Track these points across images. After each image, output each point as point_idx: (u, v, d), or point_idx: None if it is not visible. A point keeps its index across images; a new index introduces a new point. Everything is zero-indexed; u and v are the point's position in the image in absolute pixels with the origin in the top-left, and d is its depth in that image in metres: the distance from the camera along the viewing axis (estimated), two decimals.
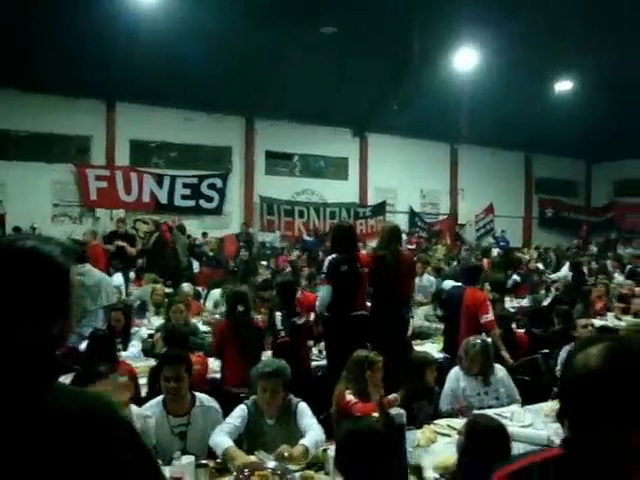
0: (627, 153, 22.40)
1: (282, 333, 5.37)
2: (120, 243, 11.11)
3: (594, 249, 20.60)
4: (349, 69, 15.93)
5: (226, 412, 3.70)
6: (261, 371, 3.62)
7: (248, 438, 3.56)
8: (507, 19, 14.39)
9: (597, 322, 8.06)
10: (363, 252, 5.86)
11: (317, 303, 5.47)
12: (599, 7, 14.05)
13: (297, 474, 3.07)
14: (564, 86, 18.66)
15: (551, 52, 16.06)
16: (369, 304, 5.64)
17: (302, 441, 3.35)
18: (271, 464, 3.07)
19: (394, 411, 2.90)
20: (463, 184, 21.98)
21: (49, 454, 1.10)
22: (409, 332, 5.71)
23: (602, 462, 1.19)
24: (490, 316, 5.82)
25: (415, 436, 3.47)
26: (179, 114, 16.41)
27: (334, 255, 5.38)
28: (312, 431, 3.47)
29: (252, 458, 3.23)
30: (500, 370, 4.71)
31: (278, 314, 5.58)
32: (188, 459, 3.11)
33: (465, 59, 15.81)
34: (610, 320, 8.58)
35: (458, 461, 2.71)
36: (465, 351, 4.61)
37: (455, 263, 13.16)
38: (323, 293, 5.38)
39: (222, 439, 3.36)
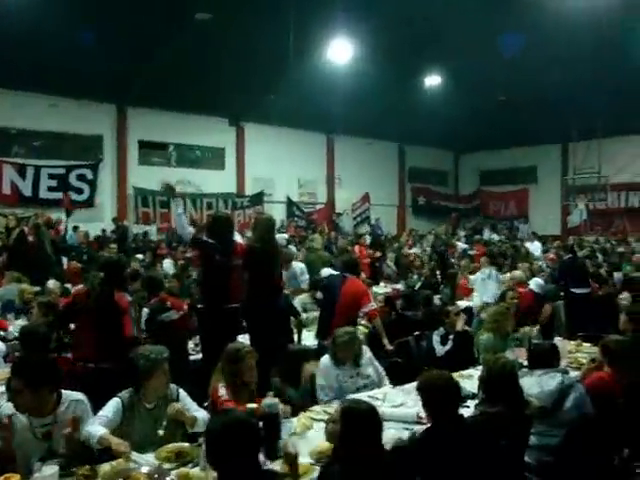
0: (491, 145, 23.97)
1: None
2: None
3: (462, 234, 21.83)
4: (224, 57, 15.67)
5: None
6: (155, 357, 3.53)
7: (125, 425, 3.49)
8: (380, 13, 14.83)
9: (463, 303, 8.58)
10: (241, 242, 5.73)
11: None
12: (463, 7, 14.85)
13: (173, 472, 3.00)
14: (434, 81, 19.51)
15: (421, 47, 16.75)
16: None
17: (195, 414, 3.48)
18: (145, 468, 2.97)
19: (268, 400, 2.90)
20: (340, 173, 22.46)
21: None
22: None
23: None
24: (373, 305, 6.03)
25: (291, 424, 3.51)
26: (43, 100, 15.39)
27: (211, 241, 5.25)
28: (200, 412, 3.58)
29: (126, 444, 3.13)
30: (367, 351, 4.90)
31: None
32: (51, 469, 2.86)
33: (341, 51, 16.04)
34: (474, 301, 9.11)
35: (335, 447, 2.75)
36: (335, 342, 4.72)
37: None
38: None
39: (95, 428, 3.27)
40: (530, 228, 23.84)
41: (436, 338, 5.83)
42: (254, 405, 3.00)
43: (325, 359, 4.73)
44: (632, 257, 12.38)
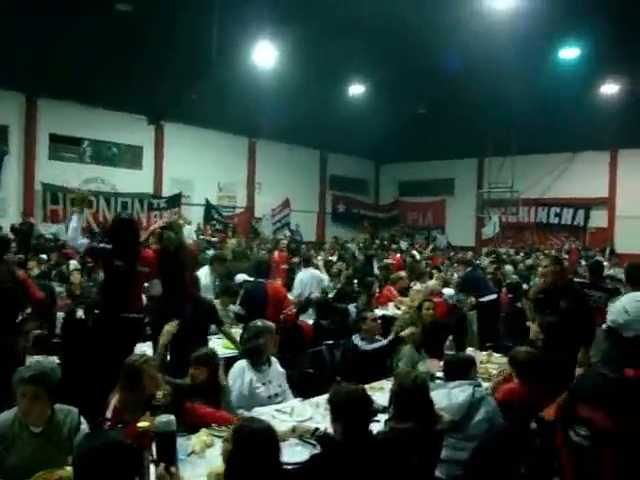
0: (411, 156, 24.46)
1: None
2: None
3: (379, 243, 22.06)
4: (145, 52, 15.11)
5: None
6: (21, 375, 3.13)
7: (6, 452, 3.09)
8: (307, 19, 14.76)
9: (379, 312, 8.54)
10: (149, 250, 5.34)
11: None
12: (389, 18, 15.02)
13: None
14: (357, 90, 19.64)
15: (345, 56, 16.82)
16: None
17: None
18: None
19: (163, 418, 2.64)
20: (260, 178, 22.22)
21: None
22: None
23: None
24: (293, 308, 6.56)
25: (189, 442, 3.25)
26: None
27: (108, 247, 4.88)
28: None
29: None
30: (276, 362, 4.76)
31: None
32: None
33: (265, 54, 15.83)
34: (390, 310, 9.12)
35: (226, 468, 2.54)
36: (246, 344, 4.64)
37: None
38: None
39: None
40: (446, 238, 24.49)
41: (357, 339, 5.72)
42: (146, 424, 2.73)
43: (240, 362, 4.58)
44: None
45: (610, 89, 18.80)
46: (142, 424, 2.70)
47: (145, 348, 4.68)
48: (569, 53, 17.17)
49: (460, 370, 4.04)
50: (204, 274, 7.48)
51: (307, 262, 9.83)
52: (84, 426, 3.19)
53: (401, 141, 22.96)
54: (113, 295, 4.77)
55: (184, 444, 3.14)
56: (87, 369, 4.51)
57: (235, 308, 6.78)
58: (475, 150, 23.09)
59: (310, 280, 9.07)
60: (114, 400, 3.40)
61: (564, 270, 6.08)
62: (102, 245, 4.94)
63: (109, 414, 3.33)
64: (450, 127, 21.12)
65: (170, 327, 4.52)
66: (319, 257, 13.66)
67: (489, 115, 19.95)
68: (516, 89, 18.03)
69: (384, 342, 5.65)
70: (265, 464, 2.44)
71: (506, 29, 14.90)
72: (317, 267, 10.45)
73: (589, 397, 2.21)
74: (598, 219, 22.16)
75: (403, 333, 5.69)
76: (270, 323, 4.80)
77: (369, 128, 20.91)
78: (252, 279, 6.92)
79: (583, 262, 15.86)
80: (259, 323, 4.76)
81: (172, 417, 2.66)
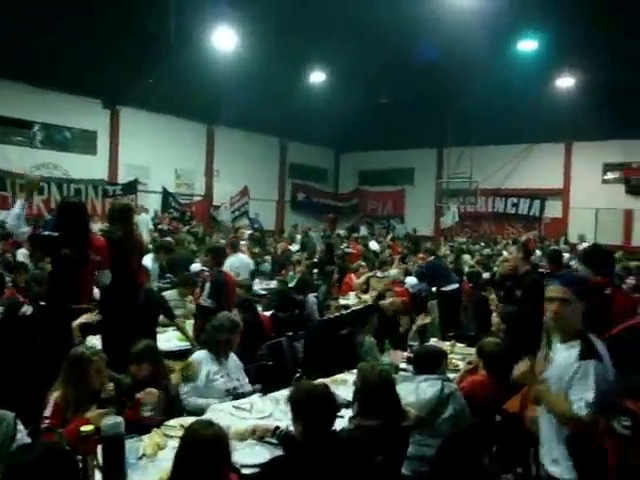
0: (371, 145, 24.39)
1: None
2: None
3: (342, 232, 21.97)
4: (101, 34, 14.54)
5: None
6: None
7: None
8: (268, 3, 14.45)
9: (341, 302, 8.42)
10: (99, 236, 5.02)
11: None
12: (352, 5, 14.84)
13: None
14: (318, 78, 19.43)
15: (307, 43, 16.57)
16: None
17: None
18: None
19: (109, 420, 2.42)
20: (219, 166, 21.82)
21: None
22: None
23: None
24: None
25: (140, 444, 3.02)
26: None
27: (55, 234, 4.51)
28: None
29: None
30: (234, 355, 4.60)
31: None
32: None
33: (225, 39, 15.49)
34: (352, 299, 9.01)
35: (172, 471, 2.34)
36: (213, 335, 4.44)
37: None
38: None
39: None
40: (406, 228, 24.55)
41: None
42: (90, 427, 2.49)
43: (199, 352, 4.43)
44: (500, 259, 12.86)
45: (566, 82, 19.09)
46: (85, 427, 2.47)
47: (95, 341, 4.40)
48: (527, 45, 17.33)
49: (430, 363, 3.91)
50: (147, 262, 7.24)
51: (234, 247, 9.63)
52: (21, 435, 2.86)
53: (362, 130, 22.87)
54: (61, 285, 4.44)
55: (134, 446, 2.89)
56: (29, 368, 4.19)
57: (204, 301, 6.31)
58: (435, 140, 23.14)
59: (241, 265, 8.87)
60: (54, 396, 3.15)
61: (527, 258, 6.08)
62: (47, 232, 4.60)
63: (48, 412, 3.08)
64: (410, 117, 21.09)
65: (89, 317, 4.27)
66: (242, 242, 13.72)
67: (449, 106, 20.04)
68: (476, 80, 18.12)
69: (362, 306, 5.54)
70: (212, 471, 2.26)
71: (467, 21, 14.90)
72: (243, 252, 10.38)
73: (637, 392, 2.52)
74: (553, 209, 22.51)
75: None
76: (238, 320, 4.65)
77: (330, 116, 20.73)
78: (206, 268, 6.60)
79: (538, 252, 16.05)
80: (232, 317, 4.63)
81: (120, 419, 2.44)
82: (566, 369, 2.80)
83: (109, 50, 15.06)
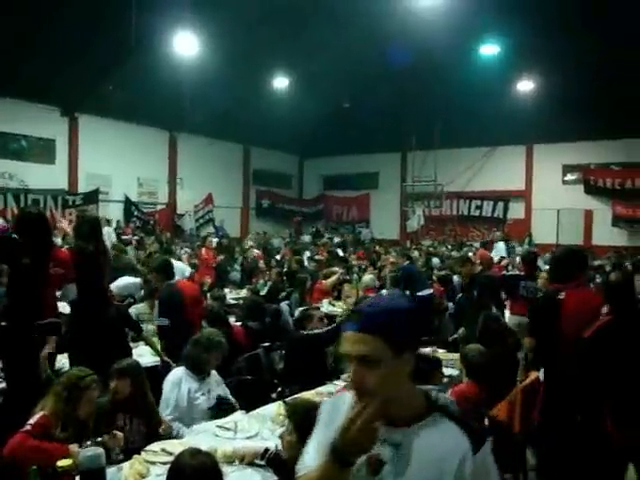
0: (335, 150, 24.34)
1: None
2: None
3: (307, 238, 21.87)
4: (57, 38, 14.10)
5: None
6: None
7: None
8: (230, 9, 14.31)
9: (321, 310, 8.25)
10: (64, 248, 4.76)
11: None
12: (310, 10, 14.79)
13: None
14: (281, 83, 19.33)
15: (269, 49, 16.45)
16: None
17: None
18: None
19: (89, 452, 2.24)
20: (182, 173, 21.47)
21: None
22: None
23: None
24: None
25: (120, 474, 2.81)
26: None
27: (15, 236, 4.22)
28: None
29: None
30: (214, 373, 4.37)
31: None
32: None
33: (186, 45, 15.23)
34: (325, 306, 8.86)
35: None
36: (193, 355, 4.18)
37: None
38: None
39: None
40: (371, 232, 24.57)
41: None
42: (67, 462, 2.30)
43: (177, 370, 4.17)
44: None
45: (526, 86, 19.45)
46: (62, 462, 2.28)
47: (64, 361, 4.16)
48: (489, 50, 17.55)
49: (420, 374, 3.75)
50: None
51: (170, 253, 9.37)
52: None
53: (325, 135, 22.83)
54: (22, 300, 4.13)
55: (115, 478, 2.68)
56: None
57: (158, 320, 5.62)
58: (399, 144, 23.19)
59: (179, 271, 8.65)
60: (45, 409, 2.95)
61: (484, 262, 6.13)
62: (5, 235, 4.32)
63: (33, 420, 2.87)
64: (374, 121, 21.10)
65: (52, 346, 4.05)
66: (179, 248, 13.73)
67: (412, 109, 20.12)
68: (439, 84, 18.27)
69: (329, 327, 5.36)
70: None
71: (430, 25, 15.02)
72: (179, 258, 10.41)
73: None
74: (516, 211, 22.80)
75: None
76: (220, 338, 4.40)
77: (293, 122, 20.65)
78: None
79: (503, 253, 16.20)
80: (217, 338, 4.32)
81: (100, 450, 2.26)
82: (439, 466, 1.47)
83: (67, 55, 14.62)
